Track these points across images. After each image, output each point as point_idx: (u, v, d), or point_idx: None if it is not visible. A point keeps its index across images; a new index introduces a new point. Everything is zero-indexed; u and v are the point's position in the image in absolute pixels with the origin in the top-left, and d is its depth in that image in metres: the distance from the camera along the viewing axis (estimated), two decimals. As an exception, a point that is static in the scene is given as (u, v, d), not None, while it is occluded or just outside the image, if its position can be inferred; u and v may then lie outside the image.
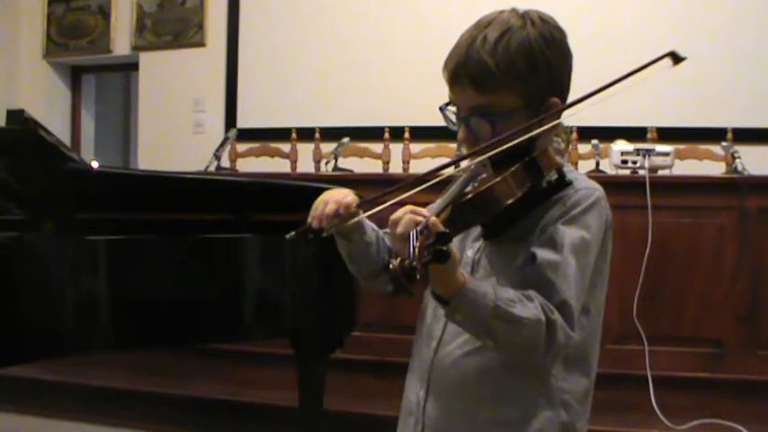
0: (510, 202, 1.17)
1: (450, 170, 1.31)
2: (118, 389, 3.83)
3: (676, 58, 1.22)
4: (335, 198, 1.31)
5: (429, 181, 1.25)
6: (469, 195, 1.18)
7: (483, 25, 1.28)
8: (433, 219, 1.08)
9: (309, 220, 1.31)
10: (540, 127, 1.23)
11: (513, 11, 1.30)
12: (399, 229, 1.10)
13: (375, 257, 1.41)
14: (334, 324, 2.63)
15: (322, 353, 2.70)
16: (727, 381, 3.42)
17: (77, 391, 3.85)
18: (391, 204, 1.23)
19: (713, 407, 3.31)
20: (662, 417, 3.24)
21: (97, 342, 2.13)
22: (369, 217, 1.35)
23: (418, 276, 1.01)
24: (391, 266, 1.02)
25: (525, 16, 1.28)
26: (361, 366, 3.59)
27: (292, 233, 1.31)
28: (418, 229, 1.06)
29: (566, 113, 1.31)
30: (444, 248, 1.02)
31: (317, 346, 2.67)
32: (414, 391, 1.36)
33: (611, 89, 1.23)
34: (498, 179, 1.18)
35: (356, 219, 1.32)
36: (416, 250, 1.02)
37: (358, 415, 3.39)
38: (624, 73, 1.23)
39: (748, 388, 3.39)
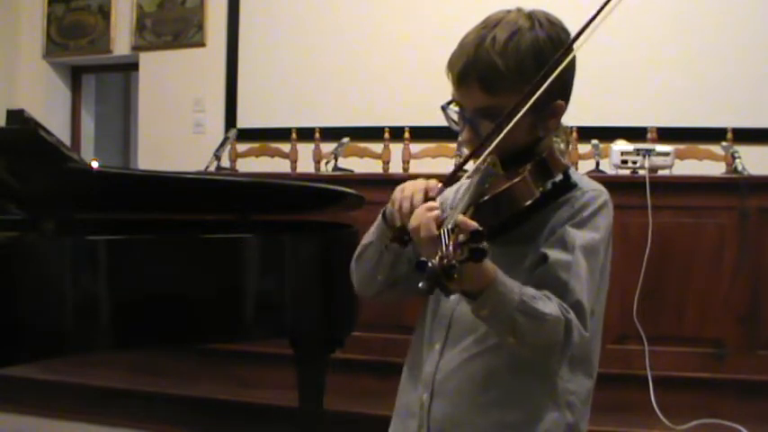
0: (529, 203, 1.16)
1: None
2: (118, 389, 3.82)
3: None
4: (419, 187, 1.19)
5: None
6: (488, 196, 1.15)
7: (491, 25, 1.26)
8: (461, 216, 1.06)
9: (398, 223, 1.19)
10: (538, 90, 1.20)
11: (520, 11, 1.28)
12: (423, 233, 1.09)
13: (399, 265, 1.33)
14: (334, 324, 2.63)
15: (322, 353, 2.70)
16: (727, 381, 3.41)
17: (77, 391, 3.85)
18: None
19: (713, 407, 3.31)
20: (662, 417, 3.24)
21: (97, 342, 2.13)
22: None
23: (456, 276, 0.97)
24: (430, 264, 0.98)
25: (533, 17, 1.27)
26: (361, 366, 3.59)
27: (388, 242, 1.18)
28: (449, 227, 1.03)
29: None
30: (481, 246, 0.99)
31: (316, 346, 2.68)
32: (415, 394, 1.35)
33: (587, 31, 1.21)
34: (518, 179, 1.16)
35: None
36: (451, 248, 0.99)
37: (358, 415, 3.39)
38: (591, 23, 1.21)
39: (748, 388, 3.39)
